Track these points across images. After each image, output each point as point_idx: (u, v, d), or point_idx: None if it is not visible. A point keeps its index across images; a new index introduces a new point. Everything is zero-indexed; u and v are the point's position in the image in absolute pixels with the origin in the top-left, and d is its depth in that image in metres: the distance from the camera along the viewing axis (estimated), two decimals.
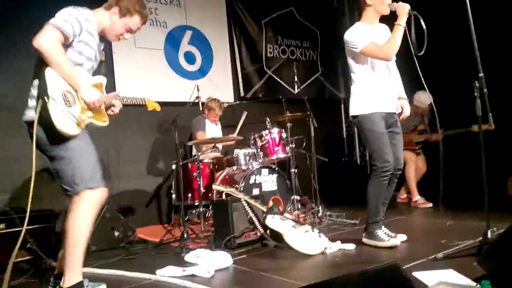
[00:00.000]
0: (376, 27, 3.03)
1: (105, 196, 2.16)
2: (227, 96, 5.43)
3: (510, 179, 4.87)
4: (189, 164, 4.16)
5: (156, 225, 4.56)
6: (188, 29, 5.19)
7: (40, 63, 2.06)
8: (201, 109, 4.33)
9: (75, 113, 2.08)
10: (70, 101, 2.07)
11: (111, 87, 4.54)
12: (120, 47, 4.61)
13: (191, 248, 3.17)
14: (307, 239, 2.92)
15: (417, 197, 4.75)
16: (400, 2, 2.86)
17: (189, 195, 4.11)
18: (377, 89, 3.00)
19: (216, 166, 4.39)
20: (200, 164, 3.88)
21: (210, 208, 4.13)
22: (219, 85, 5.37)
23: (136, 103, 2.60)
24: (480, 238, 2.61)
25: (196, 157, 3.81)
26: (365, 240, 3.03)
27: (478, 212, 3.53)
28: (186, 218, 4.08)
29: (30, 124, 2.08)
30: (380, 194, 2.94)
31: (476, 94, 2.66)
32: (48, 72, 2.02)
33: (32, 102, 2.11)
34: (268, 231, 3.21)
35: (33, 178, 2.04)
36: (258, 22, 5.85)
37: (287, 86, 6.02)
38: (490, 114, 2.63)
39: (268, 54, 5.96)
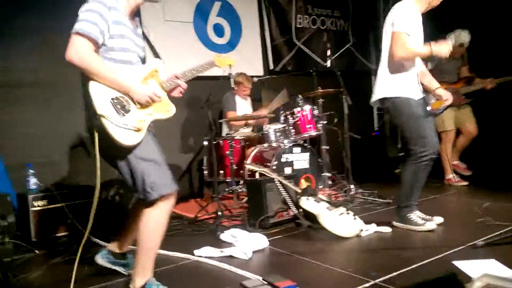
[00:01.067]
0: (420, 16, 2.92)
1: (175, 198, 2.05)
2: (257, 69, 5.35)
3: None
4: (221, 142, 4.17)
5: (189, 200, 4.64)
6: (217, 0, 5.06)
7: (83, 78, 1.93)
8: (232, 85, 4.27)
9: (132, 119, 1.94)
10: (125, 108, 1.94)
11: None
12: (149, 20, 4.55)
13: (225, 226, 3.23)
14: (342, 221, 2.91)
15: (450, 175, 4.59)
16: (441, 48, 2.74)
17: (221, 171, 4.15)
18: (413, 73, 2.93)
19: (247, 143, 4.39)
20: (232, 142, 3.88)
21: (241, 184, 4.17)
22: (248, 59, 5.28)
23: (206, 69, 2.29)
24: None
25: (228, 135, 3.80)
26: (397, 224, 3.00)
27: None
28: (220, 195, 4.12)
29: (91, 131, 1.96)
30: (417, 179, 2.89)
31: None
32: (92, 87, 1.88)
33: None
34: (301, 211, 3.23)
35: (97, 193, 2.00)
36: None
37: (317, 58, 5.86)
38: None
39: (298, 25, 5.79)
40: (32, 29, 3.84)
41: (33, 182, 3.31)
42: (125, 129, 1.90)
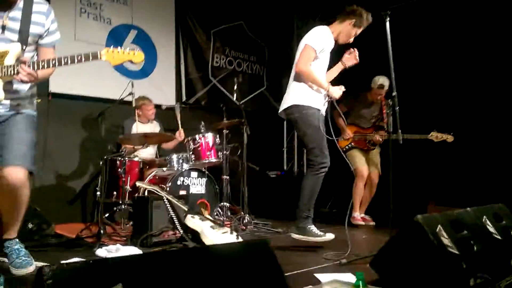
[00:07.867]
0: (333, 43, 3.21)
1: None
2: (169, 99, 5.41)
3: (429, 208, 4.56)
4: (117, 162, 4.08)
5: (78, 223, 4.39)
6: (133, 28, 5.16)
7: None
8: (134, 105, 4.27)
9: None
10: None
11: None
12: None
13: (106, 244, 3.09)
14: (224, 240, 2.94)
15: (355, 213, 4.50)
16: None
17: (114, 193, 4.02)
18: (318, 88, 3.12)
19: (147, 166, 4.33)
20: (126, 160, 3.82)
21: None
22: (161, 88, 5.35)
23: (83, 61, 1.95)
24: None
25: (122, 153, 3.75)
26: (295, 236, 3.06)
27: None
28: (109, 216, 3.96)
29: None
30: (315, 188, 3.03)
31: (388, 111, 2.87)
32: None
33: None
34: (188, 233, 3.20)
35: None
36: (206, 31, 5.93)
37: (230, 96, 6.06)
38: (400, 131, 2.83)
39: (215, 64, 6.04)
40: None
41: None
42: None
